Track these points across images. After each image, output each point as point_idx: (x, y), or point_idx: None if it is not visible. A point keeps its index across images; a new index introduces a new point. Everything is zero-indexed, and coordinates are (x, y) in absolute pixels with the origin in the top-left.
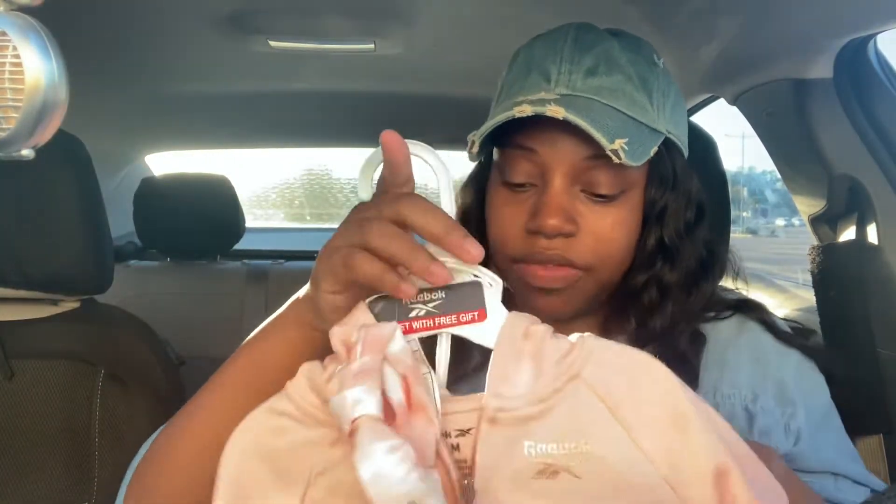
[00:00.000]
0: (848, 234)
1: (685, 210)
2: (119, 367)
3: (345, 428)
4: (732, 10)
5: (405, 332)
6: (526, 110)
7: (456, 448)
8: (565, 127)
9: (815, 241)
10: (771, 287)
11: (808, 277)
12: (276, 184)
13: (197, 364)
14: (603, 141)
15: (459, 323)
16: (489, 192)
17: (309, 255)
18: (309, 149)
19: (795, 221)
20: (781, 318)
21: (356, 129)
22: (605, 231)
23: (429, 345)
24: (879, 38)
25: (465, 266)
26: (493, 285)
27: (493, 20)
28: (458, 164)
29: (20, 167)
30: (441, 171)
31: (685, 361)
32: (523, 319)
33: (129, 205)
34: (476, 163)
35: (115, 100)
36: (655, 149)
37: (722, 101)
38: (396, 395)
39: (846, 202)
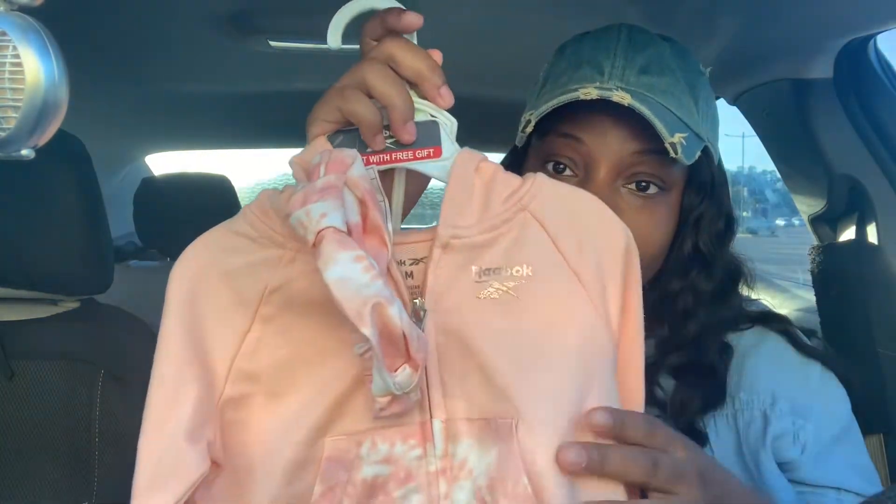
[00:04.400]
0: (848, 234)
1: (717, 220)
2: (119, 367)
3: (309, 238)
4: (732, 10)
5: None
6: (591, 93)
7: (409, 275)
8: (615, 119)
9: (815, 241)
10: (771, 287)
11: (808, 277)
12: (277, 183)
13: None
14: (664, 132)
15: (415, 158)
16: None
17: None
18: None
19: (795, 221)
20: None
21: None
22: (644, 230)
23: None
24: (879, 38)
25: (424, 105)
26: (448, 125)
27: (494, 21)
28: None
29: (20, 167)
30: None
31: (713, 374)
32: (475, 156)
33: (129, 205)
34: (507, 154)
35: (115, 100)
36: (699, 153)
37: (722, 101)
38: (353, 217)
39: (846, 202)
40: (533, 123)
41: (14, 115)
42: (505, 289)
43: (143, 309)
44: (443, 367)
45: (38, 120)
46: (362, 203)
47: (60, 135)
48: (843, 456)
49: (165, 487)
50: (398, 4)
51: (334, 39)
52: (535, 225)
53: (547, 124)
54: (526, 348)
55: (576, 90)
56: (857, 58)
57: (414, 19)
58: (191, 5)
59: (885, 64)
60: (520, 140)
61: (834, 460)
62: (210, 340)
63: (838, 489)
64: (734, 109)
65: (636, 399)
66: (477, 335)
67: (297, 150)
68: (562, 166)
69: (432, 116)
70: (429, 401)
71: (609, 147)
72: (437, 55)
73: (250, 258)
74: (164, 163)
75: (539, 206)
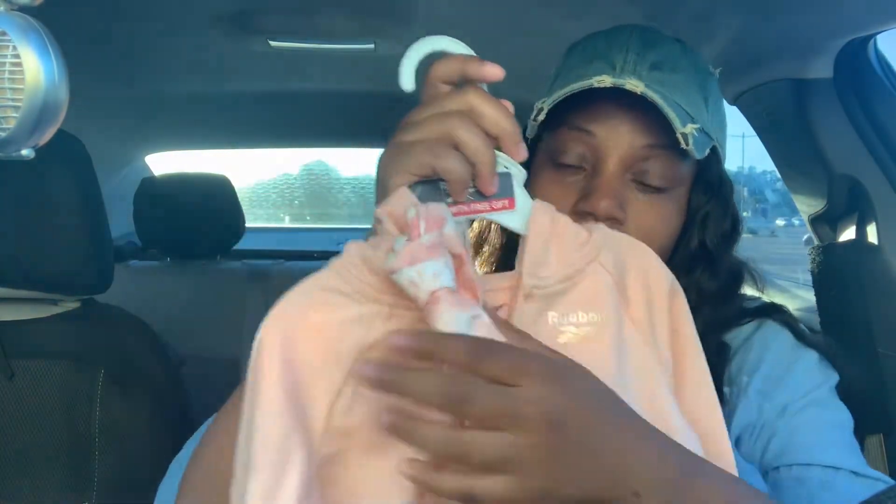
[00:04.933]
0: (848, 234)
1: (723, 220)
2: (119, 367)
3: (422, 297)
4: (732, 10)
5: None
6: (605, 81)
7: None
8: (626, 112)
9: (815, 241)
10: (771, 287)
11: (808, 277)
12: (276, 183)
13: (197, 364)
14: (676, 122)
15: (492, 209)
16: (534, 175)
17: (309, 255)
18: (309, 149)
19: (795, 221)
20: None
21: (356, 129)
22: (651, 224)
23: None
24: (879, 38)
25: (498, 157)
26: (520, 176)
27: (494, 21)
28: None
29: (20, 167)
30: None
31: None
32: (548, 208)
33: (129, 205)
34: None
35: (115, 100)
36: (708, 150)
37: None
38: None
39: (846, 202)
40: (545, 112)
41: (14, 115)
42: (582, 334)
43: (143, 309)
44: None
45: (38, 120)
46: (457, 258)
47: (60, 135)
48: (812, 427)
49: None
50: (470, 50)
51: (408, 82)
52: (604, 274)
53: (557, 118)
54: None
55: (590, 79)
56: (857, 58)
57: (497, 71)
58: (191, 5)
59: (885, 64)
60: (530, 130)
61: (798, 431)
62: (308, 399)
63: (789, 466)
64: (734, 109)
65: (717, 439)
66: None
67: (296, 151)
68: (568, 164)
69: (505, 168)
70: None
71: (620, 139)
72: (509, 106)
73: (345, 314)
74: (164, 163)
75: (606, 255)
